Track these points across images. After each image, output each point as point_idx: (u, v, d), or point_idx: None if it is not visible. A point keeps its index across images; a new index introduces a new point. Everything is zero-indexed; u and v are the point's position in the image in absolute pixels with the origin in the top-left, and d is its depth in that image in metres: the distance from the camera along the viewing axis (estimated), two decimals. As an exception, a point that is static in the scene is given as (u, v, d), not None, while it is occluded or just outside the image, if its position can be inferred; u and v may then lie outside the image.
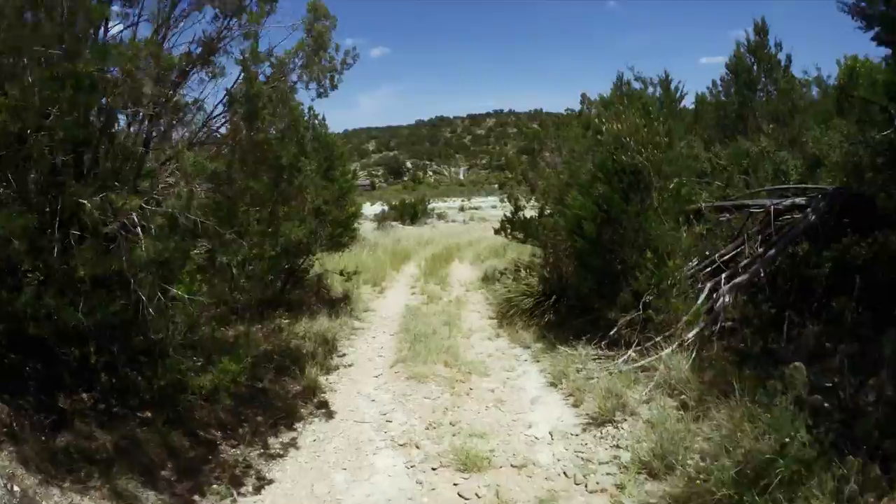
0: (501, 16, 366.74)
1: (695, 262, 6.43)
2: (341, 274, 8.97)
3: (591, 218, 5.95)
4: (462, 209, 42.97)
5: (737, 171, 7.61)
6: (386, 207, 32.64)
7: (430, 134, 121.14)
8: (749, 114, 9.36)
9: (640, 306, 5.80)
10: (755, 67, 9.61)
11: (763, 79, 9.53)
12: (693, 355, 5.36)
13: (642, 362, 5.47)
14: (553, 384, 5.55)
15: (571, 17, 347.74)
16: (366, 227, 25.00)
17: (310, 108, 9.36)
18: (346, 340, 7.64)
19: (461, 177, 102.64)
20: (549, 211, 10.70)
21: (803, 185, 7.08)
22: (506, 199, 11.32)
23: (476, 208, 44.43)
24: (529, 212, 11.11)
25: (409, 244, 18.55)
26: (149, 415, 4.46)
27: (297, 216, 6.36)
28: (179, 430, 4.47)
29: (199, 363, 4.18)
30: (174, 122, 4.31)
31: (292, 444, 4.60)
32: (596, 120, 7.25)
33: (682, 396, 4.81)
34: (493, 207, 44.84)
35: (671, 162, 6.27)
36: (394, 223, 27.98)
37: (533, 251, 15.08)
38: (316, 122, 9.28)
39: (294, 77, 4.63)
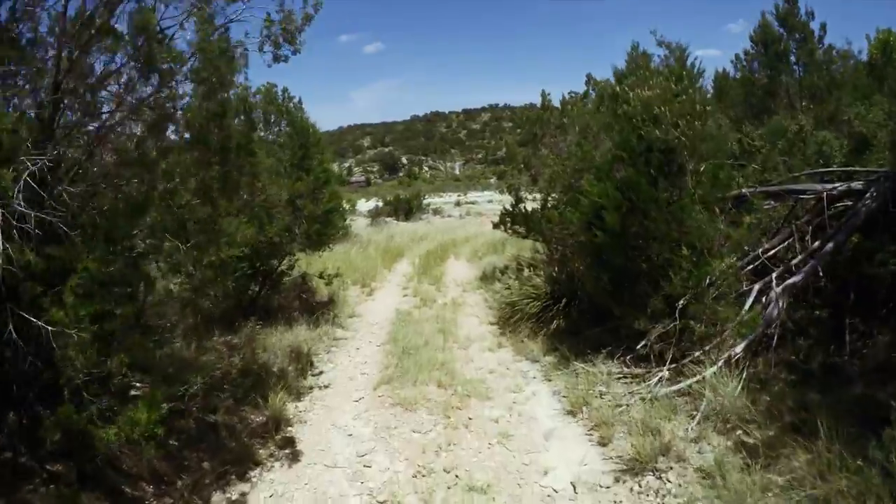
0: (497, 10, 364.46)
1: (732, 258, 5.40)
2: (321, 277, 7.93)
3: (614, 207, 4.91)
4: (458, 204, 41.85)
5: (775, 153, 6.57)
6: (380, 203, 31.52)
7: (425, 129, 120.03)
8: (780, 89, 8.34)
9: (676, 314, 4.78)
10: (785, 38, 8.56)
11: (794, 50, 8.49)
12: (743, 375, 4.35)
13: (681, 384, 4.46)
14: (571, 412, 4.52)
15: (568, 11, 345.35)
16: (359, 224, 23.94)
17: (284, 90, 8.30)
18: (326, 354, 6.60)
19: (457, 172, 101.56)
20: (553, 202, 9.71)
21: (850, 168, 6.07)
22: (505, 191, 10.25)
23: (472, 203, 43.33)
24: (531, 204, 10.08)
25: (403, 241, 17.50)
26: (59, 468, 3.48)
27: (256, 212, 5.32)
28: (97, 487, 3.47)
29: (110, 407, 3.15)
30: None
31: (241, 502, 3.56)
32: (616, 89, 6.19)
33: (740, 432, 3.81)
34: (489, 202, 43.73)
35: (709, 139, 5.24)
36: (388, 219, 26.92)
37: (534, 247, 14.04)
38: (291, 105, 8.21)
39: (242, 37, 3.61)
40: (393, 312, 8.46)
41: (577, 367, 5.22)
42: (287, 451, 4.15)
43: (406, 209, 29.42)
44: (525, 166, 9.27)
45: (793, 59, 8.33)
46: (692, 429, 3.94)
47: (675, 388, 4.44)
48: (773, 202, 5.99)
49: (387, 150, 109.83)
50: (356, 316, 8.45)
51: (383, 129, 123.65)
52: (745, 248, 5.47)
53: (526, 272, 8.10)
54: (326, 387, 5.50)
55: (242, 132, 4.19)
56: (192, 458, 4.02)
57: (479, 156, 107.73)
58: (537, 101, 10.13)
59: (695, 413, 4.18)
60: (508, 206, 10.25)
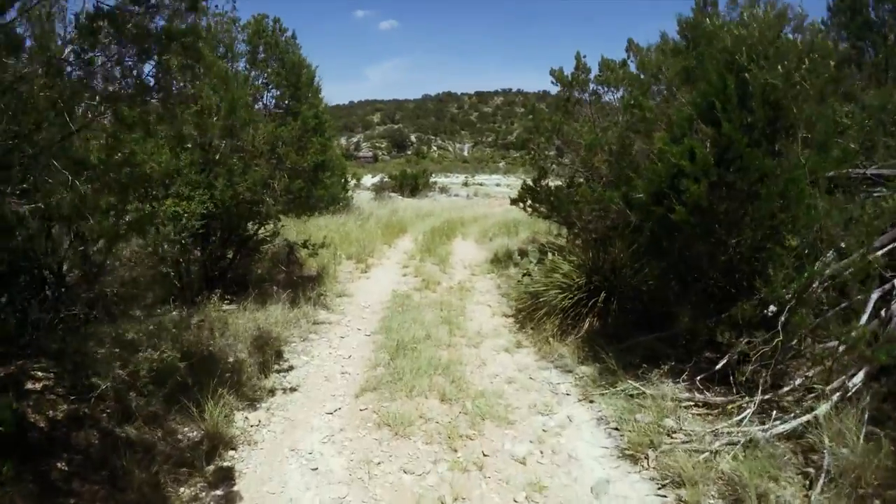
0: None
1: (829, 256, 4.05)
2: (304, 246, 6.61)
3: (701, 173, 3.55)
4: (466, 184, 40.35)
5: (881, 131, 5.20)
6: (385, 178, 30.10)
7: (436, 109, 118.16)
8: (866, 60, 6.95)
9: (777, 325, 3.46)
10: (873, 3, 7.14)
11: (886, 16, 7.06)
12: (865, 415, 3.06)
13: (787, 425, 3.15)
14: (630, 455, 3.20)
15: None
16: (363, 197, 22.63)
17: (276, 21, 6.88)
18: (301, 342, 5.31)
19: (465, 153, 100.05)
20: (582, 179, 8.36)
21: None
22: (526, 165, 8.84)
23: (480, 184, 41.88)
24: (554, 182, 8.74)
25: (407, 216, 16.14)
26: None
27: (230, 163, 3.99)
28: None
29: None
30: None
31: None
32: (708, 21, 4.78)
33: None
34: (497, 185, 42.33)
35: (828, 97, 3.88)
36: (392, 194, 25.54)
37: (550, 229, 12.70)
38: (283, 38, 6.80)
39: None
40: (389, 294, 7.15)
41: (628, 386, 3.92)
42: (219, 492, 2.86)
43: (412, 185, 28.01)
44: (557, 133, 7.87)
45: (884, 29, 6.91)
46: (817, 500, 2.64)
47: (778, 429, 3.13)
48: (882, 190, 4.65)
49: (396, 127, 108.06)
50: (346, 296, 7.14)
51: (394, 105, 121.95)
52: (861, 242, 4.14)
53: (551, 258, 6.76)
54: (293, 389, 4.20)
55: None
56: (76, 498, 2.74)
57: (490, 139, 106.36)
58: (551, 90, 8.75)
59: (809, 469, 2.90)
60: (529, 182, 8.90)
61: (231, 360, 4.50)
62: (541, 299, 5.69)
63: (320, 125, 6.14)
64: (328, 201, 16.76)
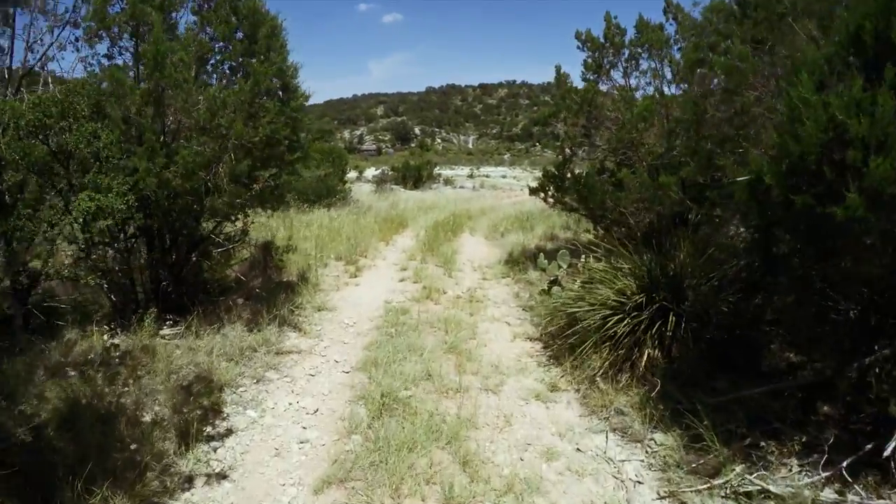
0: None
1: None
2: (267, 249, 5.21)
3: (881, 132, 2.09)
4: (471, 176, 38.77)
5: None
6: (387, 169, 28.57)
7: (439, 101, 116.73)
8: None
9: None
10: None
11: None
12: None
13: None
14: None
15: None
16: (363, 189, 21.20)
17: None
18: (254, 386, 3.87)
19: (470, 146, 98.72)
20: (615, 163, 6.89)
21: None
22: (549, 145, 7.31)
23: (486, 176, 40.35)
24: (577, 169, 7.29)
25: (408, 209, 14.67)
26: None
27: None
28: None
29: None
30: None
31: None
32: None
33: None
34: (503, 177, 40.76)
35: None
36: (394, 186, 24.08)
37: (568, 224, 11.24)
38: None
39: None
40: (382, 307, 5.73)
41: (738, 476, 2.48)
42: None
43: (415, 177, 26.51)
44: (590, 105, 6.38)
45: None
46: None
47: None
48: None
49: (400, 120, 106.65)
50: (327, 309, 5.71)
51: (397, 98, 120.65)
52: None
53: (587, 262, 5.30)
54: (223, 476, 2.76)
55: None
56: None
57: (494, 131, 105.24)
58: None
59: None
60: (551, 168, 7.44)
61: (147, 417, 3.10)
62: (580, 321, 4.23)
63: (288, 91, 4.67)
64: (323, 193, 15.37)
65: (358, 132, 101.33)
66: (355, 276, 7.22)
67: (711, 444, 2.70)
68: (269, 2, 5.26)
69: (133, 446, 2.82)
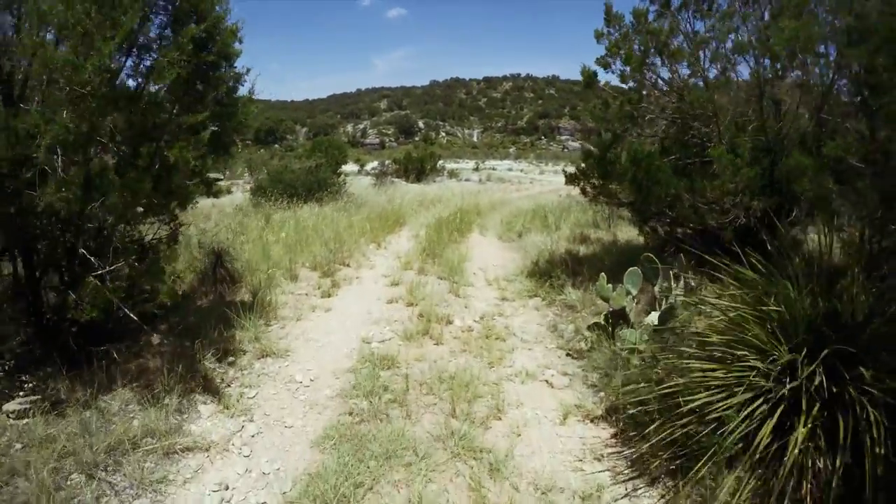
0: None
1: None
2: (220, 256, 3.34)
3: None
4: (477, 169, 36.78)
5: None
6: (387, 162, 26.45)
7: (444, 94, 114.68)
8: None
9: None
10: None
11: None
12: None
13: None
14: None
15: None
16: (361, 183, 19.26)
17: None
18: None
19: (475, 139, 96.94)
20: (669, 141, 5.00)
21: None
22: (595, 112, 5.34)
23: (493, 169, 38.35)
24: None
25: (408, 204, 12.75)
26: None
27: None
28: None
29: None
30: None
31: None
32: None
33: None
34: (509, 170, 38.67)
35: None
36: (396, 180, 22.13)
37: (597, 221, 9.24)
38: None
39: None
40: (356, 351, 3.86)
41: None
42: None
43: (418, 169, 24.54)
44: (660, 51, 4.44)
45: None
46: None
47: None
48: None
49: (403, 113, 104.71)
50: (275, 355, 3.81)
51: (401, 92, 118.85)
52: None
53: (674, 287, 3.39)
54: None
55: None
56: None
57: (499, 124, 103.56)
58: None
59: None
60: (592, 148, 5.52)
61: None
62: (685, 405, 2.32)
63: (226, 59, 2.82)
64: (313, 187, 13.51)
65: (361, 126, 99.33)
66: (329, 296, 5.33)
67: None
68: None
69: None
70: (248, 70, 3.69)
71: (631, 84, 5.00)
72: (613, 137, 5.22)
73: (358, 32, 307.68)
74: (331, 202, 12.52)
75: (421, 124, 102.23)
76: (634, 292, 3.63)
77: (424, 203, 13.19)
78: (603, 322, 3.66)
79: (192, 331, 3.87)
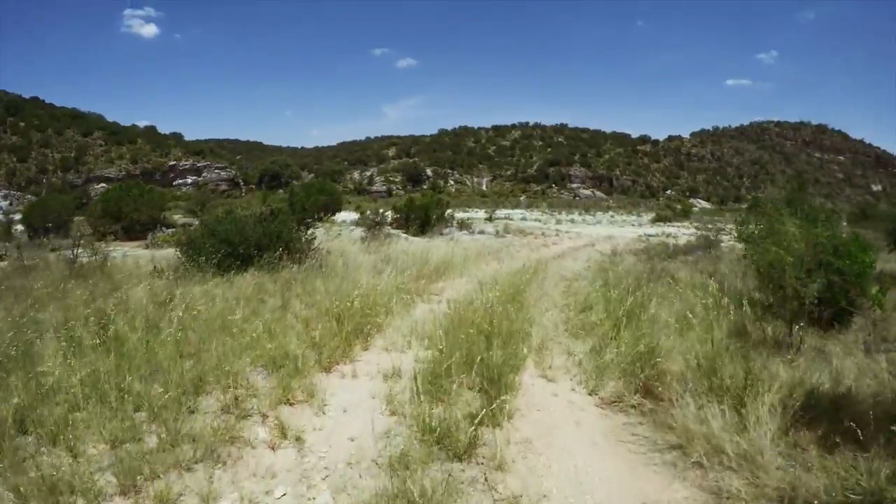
0: (528, 31, 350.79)
1: None
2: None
3: None
4: (490, 219, 32.21)
5: None
6: (385, 211, 21.53)
7: (452, 142, 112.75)
8: None
9: None
10: None
11: None
12: None
13: None
14: None
15: (598, 36, 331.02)
16: (353, 236, 14.96)
17: None
18: None
19: (484, 187, 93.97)
20: None
21: None
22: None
23: (508, 218, 33.87)
24: None
25: (404, 277, 8.07)
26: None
27: None
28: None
29: None
30: None
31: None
32: None
33: None
34: (523, 220, 34.28)
35: None
36: (395, 231, 17.64)
37: (709, 304, 4.36)
38: None
39: None
40: None
41: None
42: None
43: (422, 220, 20.07)
44: None
45: None
46: None
47: None
48: None
49: (412, 160, 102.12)
50: None
51: (410, 140, 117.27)
52: None
53: None
54: None
55: None
56: None
57: (508, 172, 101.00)
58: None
59: None
60: None
61: None
62: None
63: None
64: (264, 245, 9.11)
65: (368, 173, 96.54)
66: None
67: None
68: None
69: None
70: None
71: None
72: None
73: (370, 79, 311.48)
74: (292, 266, 8.15)
75: (429, 172, 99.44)
76: None
77: (426, 274, 8.58)
78: None
79: None
